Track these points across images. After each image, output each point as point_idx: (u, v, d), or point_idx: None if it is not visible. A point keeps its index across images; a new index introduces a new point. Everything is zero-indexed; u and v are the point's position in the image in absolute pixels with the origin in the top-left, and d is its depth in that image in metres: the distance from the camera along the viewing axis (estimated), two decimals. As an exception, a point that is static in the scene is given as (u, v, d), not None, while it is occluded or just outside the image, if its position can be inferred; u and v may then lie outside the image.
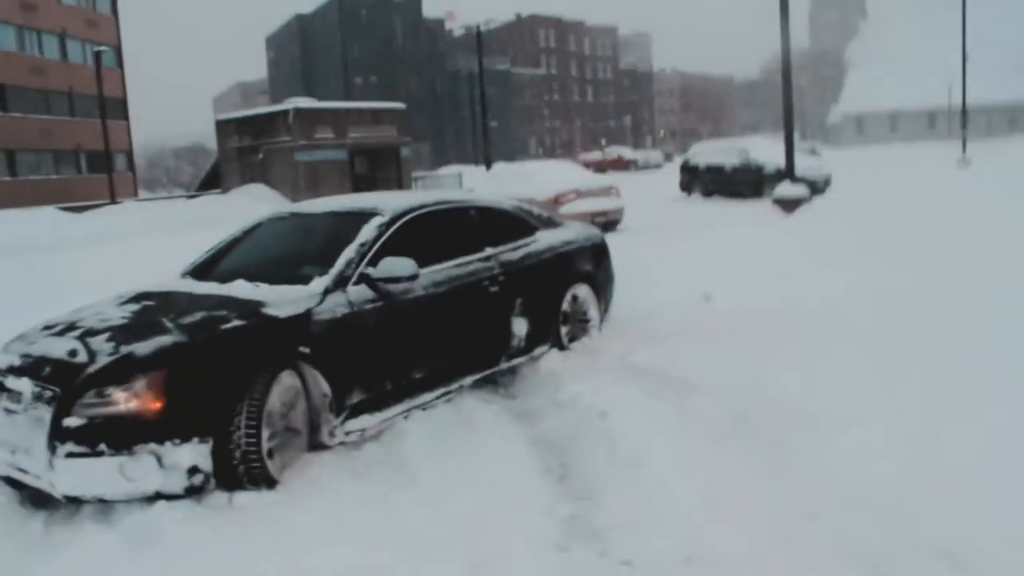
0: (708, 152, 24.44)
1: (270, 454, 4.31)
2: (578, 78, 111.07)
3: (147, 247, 15.44)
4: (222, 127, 37.64)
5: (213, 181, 40.61)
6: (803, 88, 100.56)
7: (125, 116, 55.98)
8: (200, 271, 5.82)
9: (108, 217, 26.94)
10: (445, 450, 4.67)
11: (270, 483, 4.22)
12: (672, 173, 28.53)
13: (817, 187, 19.56)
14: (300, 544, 3.57)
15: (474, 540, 3.60)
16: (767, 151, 22.10)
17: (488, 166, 32.31)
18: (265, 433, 4.23)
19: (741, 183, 22.38)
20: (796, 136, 17.36)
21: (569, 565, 3.43)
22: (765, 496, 3.78)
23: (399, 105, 38.63)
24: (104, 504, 4.04)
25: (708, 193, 23.54)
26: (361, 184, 32.91)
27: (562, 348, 6.52)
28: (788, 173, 15.87)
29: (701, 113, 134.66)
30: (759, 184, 21.44)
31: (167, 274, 5.94)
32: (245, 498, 4.05)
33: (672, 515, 3.67)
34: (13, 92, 47.10)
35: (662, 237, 13.20)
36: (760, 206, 17.19)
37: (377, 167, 35.88)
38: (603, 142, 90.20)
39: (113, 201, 34.72)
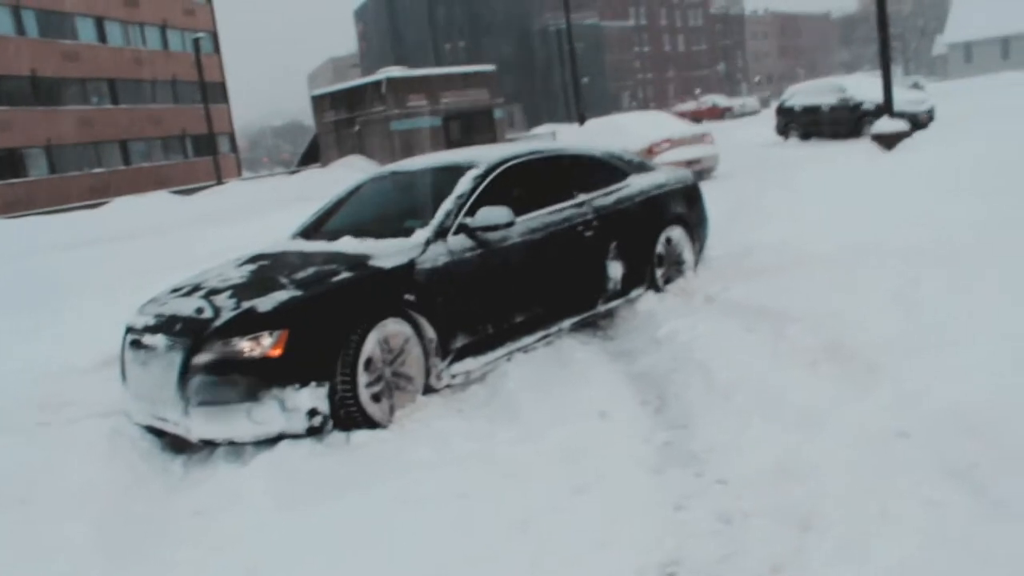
0: (804, 93, 23.79)
1: (376, 398, 4.61)
2: (668, 27, 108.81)
3: (252, 223, 16.08)
4: (318, 102, 38.50)
5: (312, 156, 41.61)
6: (904, 18, 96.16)
7: (225, 99, 57.71)
8: (309, 232, 6.18)
9: (216, 197, 28.05)
10: (546, 388, 4.90)
11: (371, 425, 4.51)
12: (769, 118, 27.87)
13: (919, 121, 18.91)
14: (414, 474, 3.85)
15: (576, 465, 3.82)
16: (865, 88, 21.40)
17: (581, 122, 32.21)
18: (363, 379, 4.52)
19: (839, 122, 21.77)
20: (898, 70, 16.83)
21: (666, 485, 3.62)
22: (858, 416, 3.85)
23: (489, 67, 38.76)
24: (235, 447, 4.42)
25: (805, 135, 22.99)
26: (457, 148, 33.20)
27: (658, 290, 6.65)
28: (887, 108, 15.43)
29: (798, 54, 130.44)
30: (858, 122, 20.81)
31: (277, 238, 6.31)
32: (361, 437, 4.37)
33: (766, 437, 3.79)
34: (122, 85, 49.10)
35: (757, 181, 13.05)
36: (859, 145, 16.75)
37: (471, 131, 36.16)
38: (697, 91, 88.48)
39: (219, 182, 36.02)
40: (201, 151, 52.01)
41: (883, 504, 3.10)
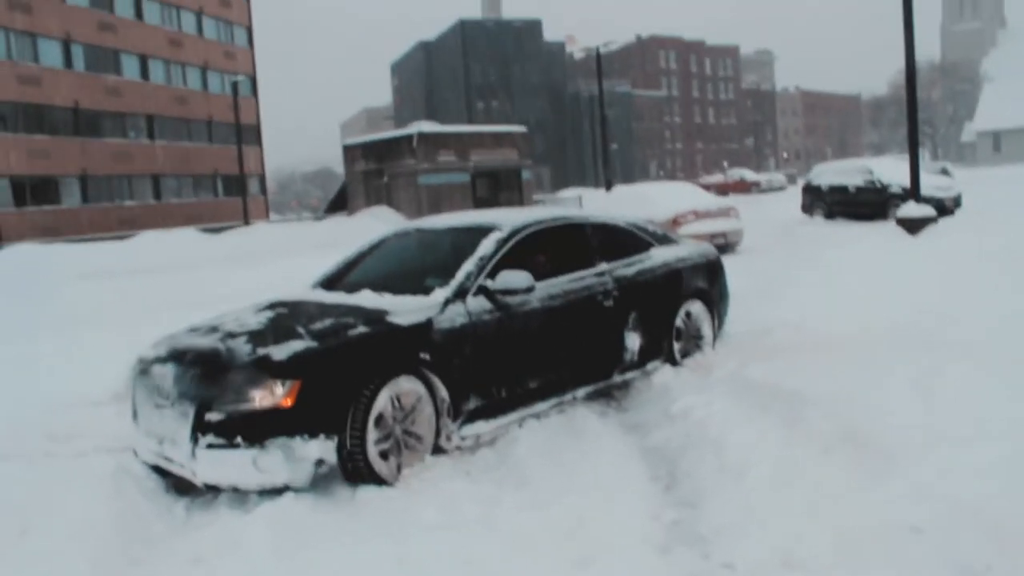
0: (831, 172, 23.88)
1: (385, 455, 4.58)
2: (699, 99, 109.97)
3: (277, 266, 16.19)
4: (349, 151, 38.94)
5: (340, 204, 41.95)
6: (934, 104, 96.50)
7: (259, 142, 58.62)
8: (329, 282, 6.21)
9: (242, 237, 28.26)
10: (556, 457, 4.86)
11: (378, 482, 4.48)
12: (795, 195, 27.98)
13: (946, 207, 18.90)
14: (417, 536, 3.82)
15: (581, 539, 3.77)
16: (892, 171, 21.48)
17: (608, 188, 32.42)
18: (372, 435, 4.51)
19: (865, 204, 21.80)
20: (926, 155, 16.90)
21: (672, 565, 3.56)
22: (869, 507, 3.78)
23: (520, 128, 39.15)
24: (239, 493, 4.40)
25: (831, 215, 23.02)
26: (483, 206, 33.45)
27: (675, 363, 6.62)
28: (913, 193, 15.42)
29: (826, 133, 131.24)
30: (884, 205, 20.85)
31: (297, 286, 6.35)
32: (367, 493, 4.35)
33: (775, 522, 3.73)
34: (160, 121, 50.08)
35: (781, 257, 13.06)
36: (884, 228, 16.72)
37: (498, 189, 36.44)
38: (725, 164, 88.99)
39: (246, 223, 36.36)
40: (231, 191, 52.74)
41: (893, 603, 3.03)
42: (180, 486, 4.71)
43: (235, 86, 40.91)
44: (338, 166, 63.77)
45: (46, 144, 41.69)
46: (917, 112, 15.26)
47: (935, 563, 3.29)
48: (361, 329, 4.76)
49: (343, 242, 15.92)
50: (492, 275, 5.35)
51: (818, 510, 3.79)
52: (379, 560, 3.60)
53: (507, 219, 6.00)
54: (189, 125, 52.98)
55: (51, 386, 7.24)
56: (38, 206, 41.13)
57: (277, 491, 4.30)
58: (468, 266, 5.37)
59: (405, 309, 4.99)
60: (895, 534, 3.53)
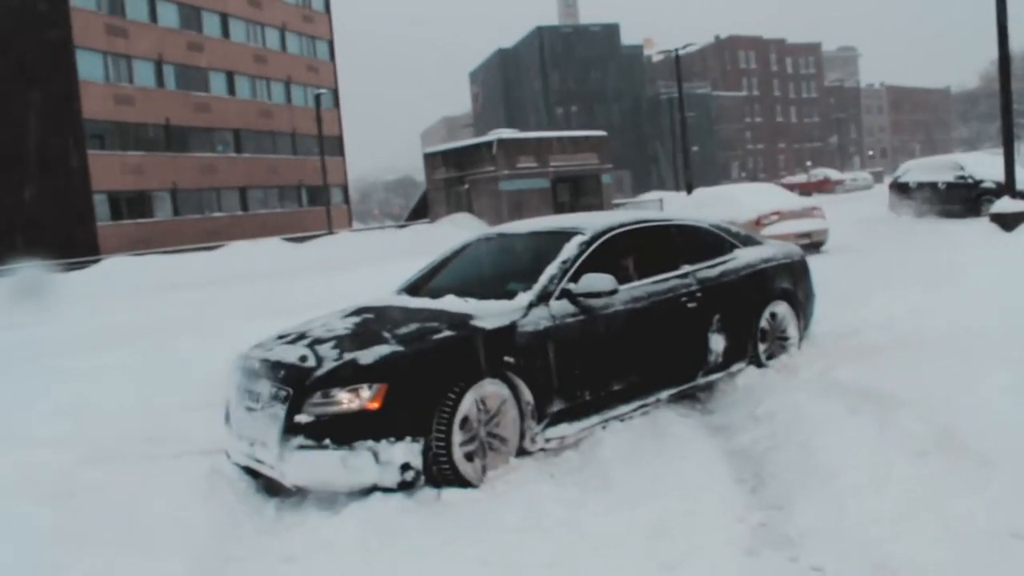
0: (919, 169, 23.20)
1: (470, 457, 4.62)
2: (781, 98, 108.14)
3: (360, 273, 16.47)
4: (429, 159, 39.44)
5: (421, 211, 42.50)
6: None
7: (341, 153, 59.74)
8: (414, 288, 6.30)
9: (326, 246, 28.86)
10: (640, 459, 4.84)
11: (462, 484, 4.52)
12: (881, 194, 27.29)
13: (1043, 202, 18.21)
14: (502, 538, 3.84)
15: (666, 541, 3.74)
16: (985, 166, 20.73)
17: (689, 191, 32.13)
18: (458, 437, 4.55)
19: (956, 201, 21.09)
20: (1022, 149, 16.25)
21: (759, 568, 3.51)
22: (966, 511, 3.67)
23: (600, 133, 39.13)
24: (327, 495, 4.49)
25: (920, 213, 22.33)
26: (563, 212, 33.47)
27: (760, 365, 6.52)
28: (1008, 187, 14.92)
29: (914, 129, 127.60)
30: (976, 201, 20.14)
31: (382, 292, 6.45)
32: (452, 495, 4.39)
33: (866, 525, 3.64)
34: (246, 135, 51.52)
35: (868, 257, 12.77)
36: (976, 224, 16.22)
37: (579, 194, 36.46)
38: (808, 164, 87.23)
39: (330, 232, 37.09)
40: (315, 201, 53.86)
41: (992, 611, 2.93)
42: (270, 487, 4.83)
43: (318, 99, 41.81)
44: (419, 174, 64.50)
45: (140, 160, 43.27)
46: (1012, 103, 14.76)
47: (1038, 568, 3.18)
48: (446, 333, 4.81)
49: (425, 249, 16.11)
50: (575, 278, 5.35)
51: (913, 515, 3.69)
52: (464, 561, 3.64)
53: (590, 222, 6.00)
54: (274, 138, 54.33)
55: (146, 392, 7.49)
56: (133, 219, 42.68)
57: (365, 492, 4.38)
58: (551, 270, 5.38)
59: (489, 313, 5.03)
60: (995, 541, 3.42)
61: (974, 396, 5.09)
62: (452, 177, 36.85)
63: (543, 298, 5.21)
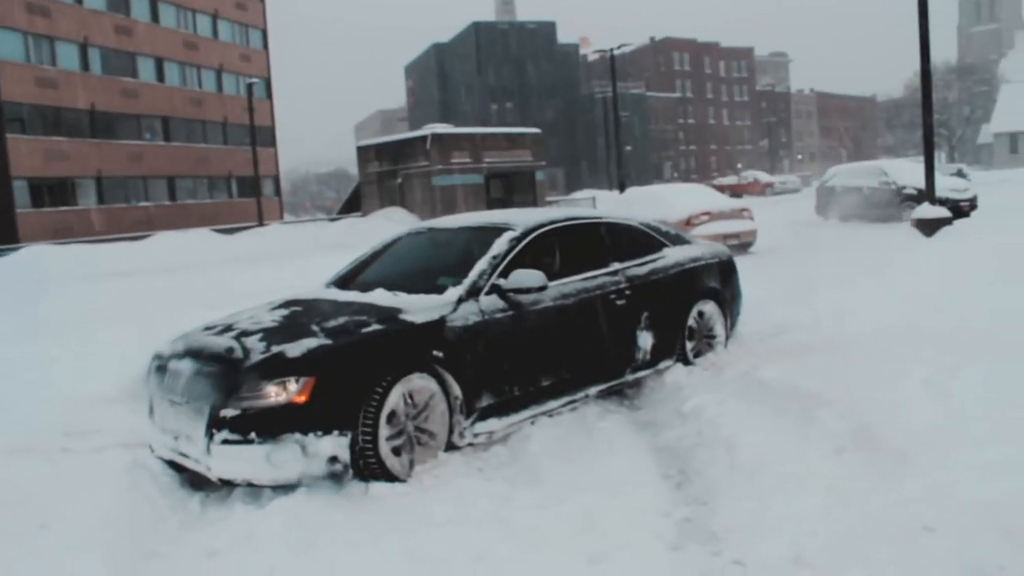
0: (845, 174, 23.78)
1: (397, 451, 4.61)
2: (714, 101, 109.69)
3: (291, 266, 16.26)
4: (363, 153, 39.06)
5: (354, 205, 42.10)
6: (950, 106, 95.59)
7: (273, 143, 58.83)
8: (343, 281, 6.25)
9: (256, 238, 28.42)
10: (568, 454, 4.88)
11: (389, 478, 4.51)
12: (809, 197, 27.91)
13: (961, 210, 18.80)
14: (429, 532, 3.85)
15: (594, 535, 3.78)
16: (907, 173, 21.36)
17: (622, 190, 32.42)
18: (384, 431, 4.53)
19: (879, 205, 21.68)
20: (942, 157, 16.80)
21: (683, 562, 3.57)
22: (883, 506, 3.78)
23: (534, 130, 39.16)
24: (253, 488, 4.43)
25: (845, 217, 22.90)
26: (496, 207, 33.48)
27: (687, 363, 6.62)
28: (929, 194, 15.37)
29: (841, 135, 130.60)
30: (898, 207, 20.75)
31: (312, 285, 6.38)
32: (380, 489, 4.38)
33: (787, 521, 3.73)
34: (175, 123, 50.40)
35: (794, 258, 13.04)
36: (899, 229, 16.66)
37: (512, 191, 36.48)
38: (739, 166, 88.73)
39: (261, 224, 36.52)
40: (245, 192, 52.98)
41: (904, 601, 3.02)
42: (195, 482, 4.74)
43: (250, 88, 41.08)
44: (352, 167, 63.94)
45: (64, 147, 42.03)
46: (932, 113, 15.21)
47: (948, 563, 3.28)
48: (374, 327, 4.79)
49: (357, 243, 16.00)
50: (505, 274, 5.37)
51: (831, 510, 3.79)
52: (391, 555, 3.63)
53: (521, 219, 6.02)
54: (204, 127, 53.27)
55: (67, 384, 7.28)
56: (55, 207, 41.45)
57: (291, 487, 4.33)
58: (481, 265, 5.40)
59: (418, 307, 5.02)
60: (908, 534, 3.52)
61: (893, 395, 5.23)
62: (385, 171, 36.57)
63: (473, 293, 5.21)
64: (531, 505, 4.17)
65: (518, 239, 5.67)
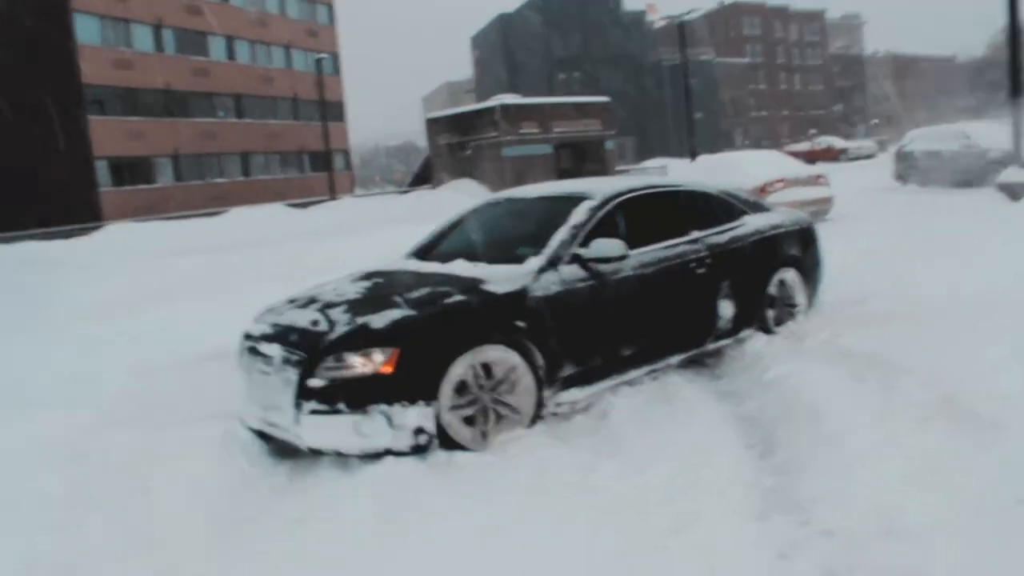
0: (925, 138, 23.05)
1: (470, 421, 4.64)
2: (785, 66, 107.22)
3: (363, 239, 16.46)
4: (432, 125, 39.24)
5: (424, 178, 42.39)
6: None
7: (343, 118, 59.41)
8: (423, 252, 6.33)
9: (329, 212, 28.82)
10: (650, 423, 4.88)
11: (460, 447, 4.54)
12: (886, 162, 27.14)
13: (1050, 173, 18.14)
14: (514, 501, 3.89)
15: (677, 505, 3.78)
16: (992, 135, 20.57)
17: (693, 158, 31.99)
18: (447, 401, 4.54)
19: (962, 170, 20.96)
20: (1025, 119, 16.10)
21: (769, 532, 3.54)
22: (973, 477, 3.69)
23: (603, 99, 38.91)
24: (340, 458, 4.53)
25: (925, 182, 22.22)
26: (566, 178, 33.32)
27: (768, 331, 6.54)
28: (1017, 157, 14.86)
29: (919, 98, 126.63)
30: (983, 171, 20.04)
31: (390, 256, 6.46)
32: (464, 458, 4.43)
33: (874, 491, 3.67)
34: (247, 101, 51.31)
35: (873, 225, 12.75)
36: (982, 194, 16.15)
37: (582, 161, 36.31)
38: (812, 132, 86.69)
39: (332, 198, 37.00)
40: (317, 167, 53.69)
41: (1002, 576, 2.96)
42: (282, 451, 4.86)
43: (319, 64, 41.51)
44: (421, 140, 64.18)
45: (140, 126, 43.12)
46: (1021, 72, 14.66)
47: (1045, 533, 3.20)
48: (457, 298, 4.83)
49: (427, 215, 16.10)
50: (585, 243, 5.36)
51: (920, 479, 3.71)
52: (475, 524, 3.67)
53: (599, 188, 5.99)
54: (275, 103, 54.03)
55: (155, 355, 7.53)
56: (135, 185, 42.60)
57: (377, 456, 4.41)
58: (561, 234, 5.39)
59: (500, 278, 5.04)
60: (1003, 506, 3.42)
61: (978, 364, 5.10)
62: (455, 143, 36.69)
63: (553, 263, 5.21)
64: (613, 475, 4.17)
65: (597, 208, 5.65)
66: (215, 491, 4.24)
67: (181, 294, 11.21)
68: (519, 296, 4.94)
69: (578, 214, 5.56)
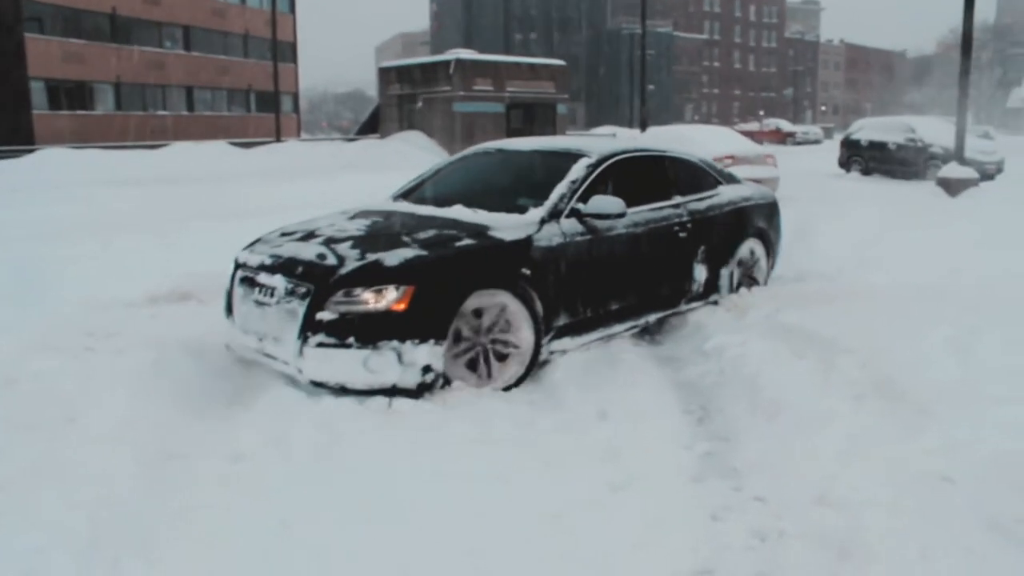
0: (871, 128, 23.51)
1: (472, 365, 4.78)
2: (740, 45, 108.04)
3: (310, 184, 16.22)
4: (384, 74, 38.66)
5: (372, 127, 41.79)
6: (981, 67, 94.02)
7: (294, 59, 58.14)
8: (410, 195, 6.35)
9: (274, 154, 28.28)
10: (591, 384, 4.93)
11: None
12: (831, 149, 27.62)
13: (987, 172, 18.63)
14: (454, 449, 3.90)
15: (615, 463, 3.83)
16: (935, 130, 21.10)
17: (643, 129, 32.06)
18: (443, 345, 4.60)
19: (904, 162, 21.47)
20: (970, 119, 16.46)
21: (704, 494, 3.61)
22: (902, 455, 3.79)
23: (558, 62, 38.73)
24: (279, 398, 4.44)
25: (868, 171, 22.72)
26: (515, 137, 33.13)
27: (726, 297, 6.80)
28: (957, 154, 15.19)
29: (867, 89, 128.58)
30: (924, 164, 20.55)
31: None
32: (404, 405, 4.41)
33: (807, 461, 3.77)
34: (195, 33, 49.82)
35: (816, 209, 12.90)
36: (922, 187, 16.54)
37: (532, 122, 36.12)
38: (761, 113, 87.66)
39: (278, 140, 36.28)
40: (264, 107, 52.57)
41: (923, 547, 3.06)
42: (221, 381, 4.80)
43: (273, 1, 40.47)
44: (370, 89, 63.52)
45: (82, 49, 41.67)
46: (970, 73, 14.95)
47: (965, 513, 3.30)
48: (468, 242, 4.89)
49: (375, 164, 16.03)
50: (583, 199, 5.49)
51: (851, 454, 3.82)
52: (416, 470, 3.67)
53: (594, 146, 6.12)
54: (225, 38, 52.66)
55: (87, 287, 7.31)
56: (71, 111, 41.25)
57: (322, 394, 4.40)
58: (561, 188, 5.50)
59: (505, 225, 5.11)
60: (927, 483, 3.54)
61: (913, 349, 5.22)
62: (406, 94, 36.22)
63: (554, 215, 5.33)
64: (553, 430, 4.21)
65: (594, 165, 5.78)
66: (146, 425, 4.10)
67: (117, 226, 10.90)
68: (525, 244, 5.04)
69: (576, 170, 5.67)
